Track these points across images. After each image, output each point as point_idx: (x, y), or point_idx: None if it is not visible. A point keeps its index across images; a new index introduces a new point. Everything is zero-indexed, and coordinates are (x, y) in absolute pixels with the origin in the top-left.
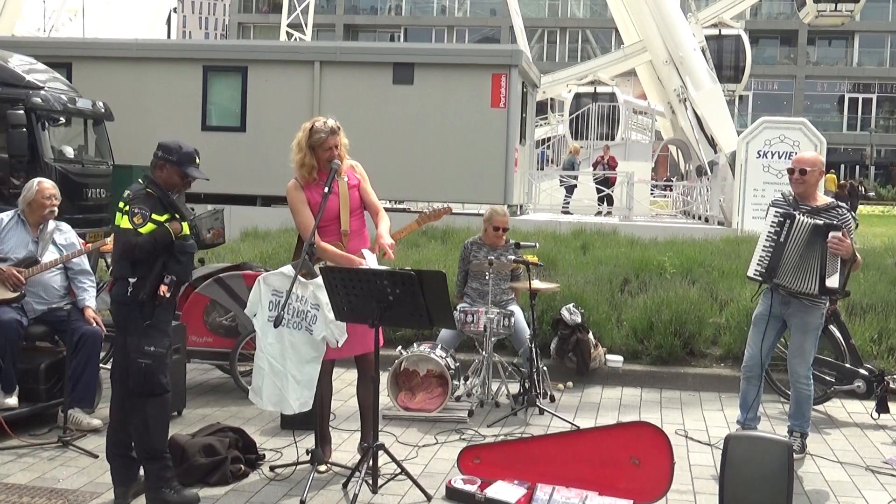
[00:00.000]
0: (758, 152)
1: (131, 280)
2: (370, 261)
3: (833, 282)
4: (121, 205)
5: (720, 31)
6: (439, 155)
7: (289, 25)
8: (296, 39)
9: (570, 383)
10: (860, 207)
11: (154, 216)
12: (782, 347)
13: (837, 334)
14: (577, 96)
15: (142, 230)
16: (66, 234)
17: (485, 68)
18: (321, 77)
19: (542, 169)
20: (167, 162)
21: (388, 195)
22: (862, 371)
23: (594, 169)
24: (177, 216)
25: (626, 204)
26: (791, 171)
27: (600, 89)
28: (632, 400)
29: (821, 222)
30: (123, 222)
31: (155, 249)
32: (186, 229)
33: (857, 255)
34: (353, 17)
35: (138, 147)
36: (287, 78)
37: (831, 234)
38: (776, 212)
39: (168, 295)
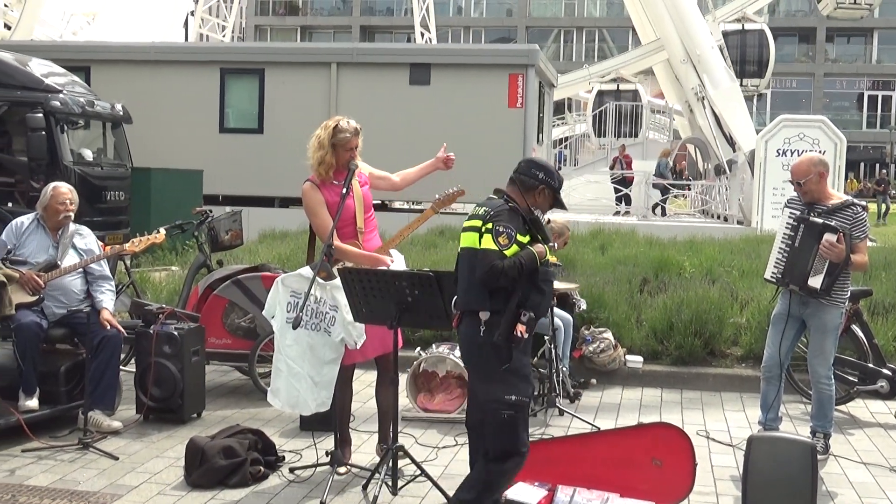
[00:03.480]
0: (777, 150)
1: (483, 316)
2: (398, 261)
3: (815, 282)
4: (474, 222)
5: (743, 25)
6: (456, 155)
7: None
8: (427, 40)
9: (593, 380)
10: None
11: (518, 237)
12: (803, 347)
13: (860, 334)
14: (600, 94)
15: (507, 252)
16: (86, 239)
17: (502, 68)
18: (338, 78)
19: (559, 169)
20: (548, 186)
21: (405, 196)
22: (885, 371)
23: (612, 168)
24: (539, 237)
25: (644, 203)
26: (792, 183)
27: (623, 86)
28: (652, 401)
29: (819, 221)
30: (485, 242)
31: (520, 276)
32: (550, 255)
33: (864, 256)
34: (369, 18)
35: (156, 150)
36: (304, 79)
37: (826, 236)
38: (791, 213)
39: (526, 336)
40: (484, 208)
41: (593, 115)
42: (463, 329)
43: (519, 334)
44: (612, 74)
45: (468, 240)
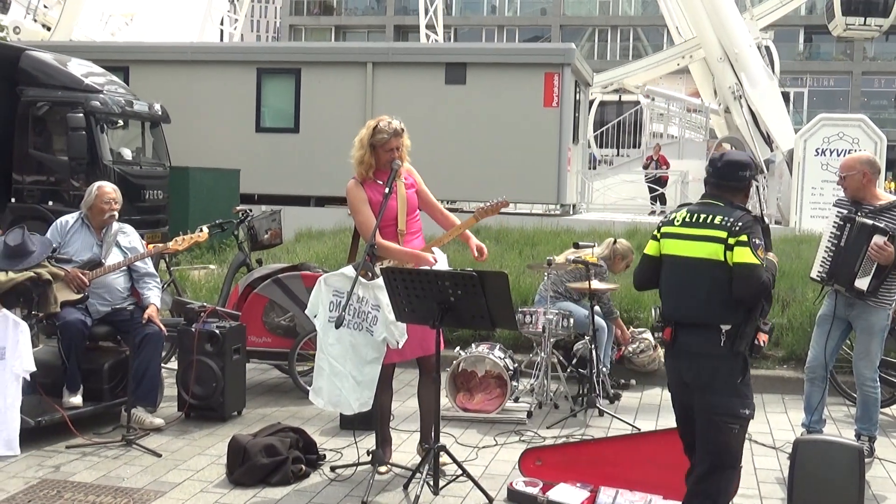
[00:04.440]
0: (816, 150)
1: (724, 328)
2: (441, 261)
3: (862, 283)
4: (716, 232)
5: None
6: (492, 155)
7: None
8: (433, 41)
9: (633, 381)
10: None
11: None
12: (847, 349)
13: None
14: (602, 104)
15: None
16: (129, 237)
17: (537, 67)
18: (373, 78)
19: (594, 168)
20: (752, 182)
21: (441, 195)
22: None
23: (646, 168)
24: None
25: (680, 203)
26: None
27: (625, 97)
28: None
29: (869, 223)
30: (744, 256)
31: (770, 287)
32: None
33: None
34: (402, 17)
35: (194, 149)
36: (340, 79)
37: (875, 238)
38: (838, 213)
39: (765, 344)
40: (720, 217)
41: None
42: (693, 342)
43: (762, 343)
44: (615, 85)
45: (704, 250)
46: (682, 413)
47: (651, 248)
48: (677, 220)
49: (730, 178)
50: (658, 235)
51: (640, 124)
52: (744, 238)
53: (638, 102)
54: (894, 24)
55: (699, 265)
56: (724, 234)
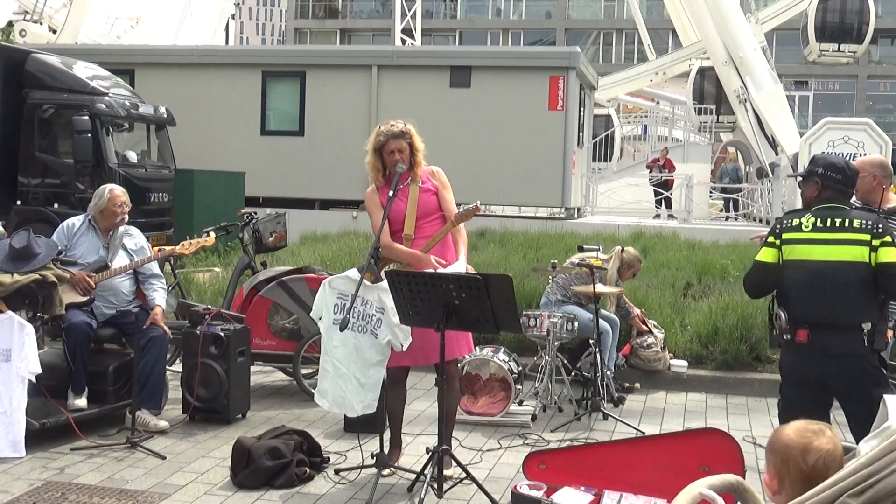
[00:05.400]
0: (821, 153)
1: (865, 327)
2: (458, 265)
3: None
4: (859, 236)
5: None
6: (497, 158)
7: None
8: (409, 44)
9: (637, 385)
10: None
11: None
12: None
13: None
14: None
15: None
16: (135, 239)
17: (542, 70)
18: (378, 81)
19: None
20: None
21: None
22: None
23: (649, 171)
24: None
25: (684, 207)
26: None
27: (597, 111)
28: (697, 405)
29: None
30: (891, 256)
31: None
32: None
33: None
34: (408, 21)
35: (199, 152)
36: (345, 82)
37: None
38: None
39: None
40: (858, 220)
41: None
42: (836, 343)
43: (889, 340)
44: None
45: (848, 253)
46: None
47: (768, 256)
48: (805, 227)
49: (852, 184)
50: (777, 243)
51: (611, 138)
52: (888, 239)
53: (608, 116)
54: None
55: (842, 268)
56: (867, 237)
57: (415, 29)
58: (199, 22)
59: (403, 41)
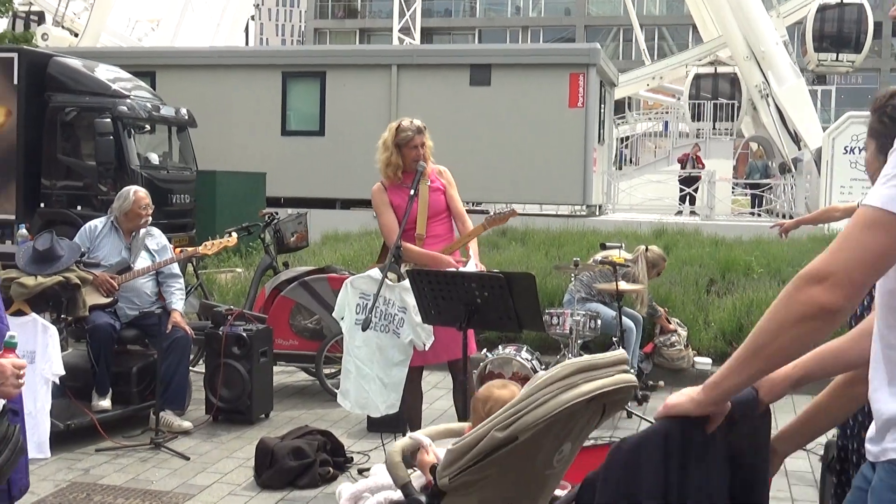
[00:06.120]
0: (844, 148)
1: None
2: (468, 265)
3: None
4: None
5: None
6: (517, 156)
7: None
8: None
9: (661, 382)
10: None
11: None
12: None
13: None
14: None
15: None
16: (157, 239)
17: (562, 68)
18: (398, 80)
19: (620, 168)
20: None
21: (467, 197)
22: None
23: (681, 166)
24: None
25: (707, 203)
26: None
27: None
28: None
29: None
30: None
31: None
32: None
33: None
34: (427, 20)
35: (220, 153)
36: (365, 82)
37: None
38: None
39: None
40: None
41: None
42: None
43: None
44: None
45: None
46: None
47: None
48: None
49: None
50: None
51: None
52: None
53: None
54: None
55: None
56: None
57: (414, 28)
58: (218, 23)
59: (401, 40)
